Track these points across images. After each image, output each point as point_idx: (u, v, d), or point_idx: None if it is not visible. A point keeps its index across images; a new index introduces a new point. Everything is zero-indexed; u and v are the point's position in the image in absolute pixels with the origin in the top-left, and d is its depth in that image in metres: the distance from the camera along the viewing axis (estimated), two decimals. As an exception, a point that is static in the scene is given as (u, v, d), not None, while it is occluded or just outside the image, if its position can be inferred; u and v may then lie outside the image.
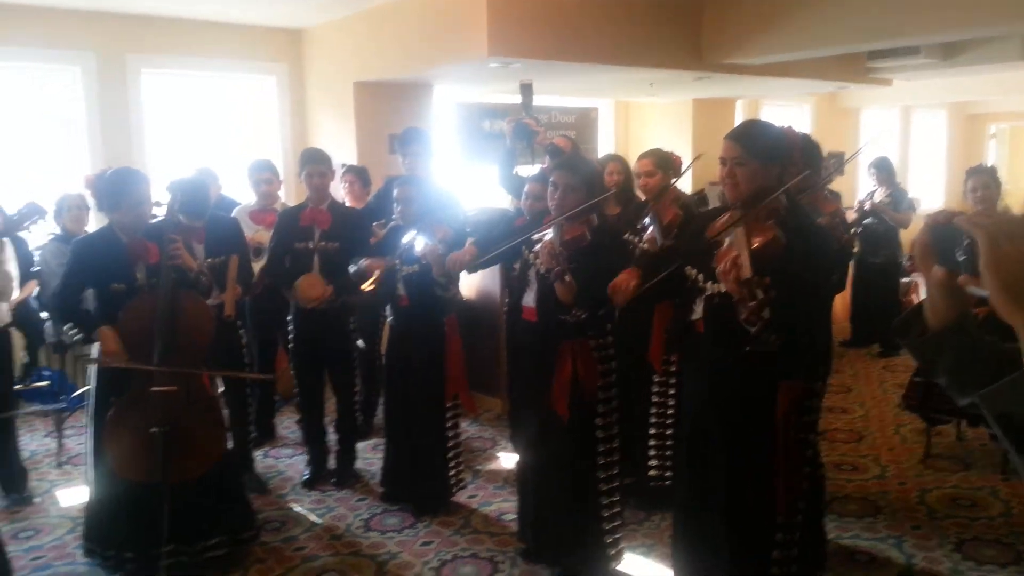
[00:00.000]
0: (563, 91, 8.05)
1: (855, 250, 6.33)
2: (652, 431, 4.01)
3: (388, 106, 6.47)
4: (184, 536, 3.41)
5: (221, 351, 3.89)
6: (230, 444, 3.87)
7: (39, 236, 4.93)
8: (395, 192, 4.05)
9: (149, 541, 3.35)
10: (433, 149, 4.56)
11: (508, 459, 4.71)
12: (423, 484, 4.05)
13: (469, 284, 5.59)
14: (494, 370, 5.56)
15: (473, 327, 5.34)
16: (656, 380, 3.96)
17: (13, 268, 4.32)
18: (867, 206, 6.66)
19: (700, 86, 7.21)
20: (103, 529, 3.50)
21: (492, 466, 4.75)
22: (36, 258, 5.04)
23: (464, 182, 7.41)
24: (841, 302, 7.12)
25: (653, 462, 4.02)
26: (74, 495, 4.34)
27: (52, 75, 6.20)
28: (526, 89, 4.53)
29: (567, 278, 2.97)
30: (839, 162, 7.10)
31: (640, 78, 6.64)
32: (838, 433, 5.16)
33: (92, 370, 3.59)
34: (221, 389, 4.33)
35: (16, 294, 4.47)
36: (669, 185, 4.04)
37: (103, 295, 3.50)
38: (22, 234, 4.52)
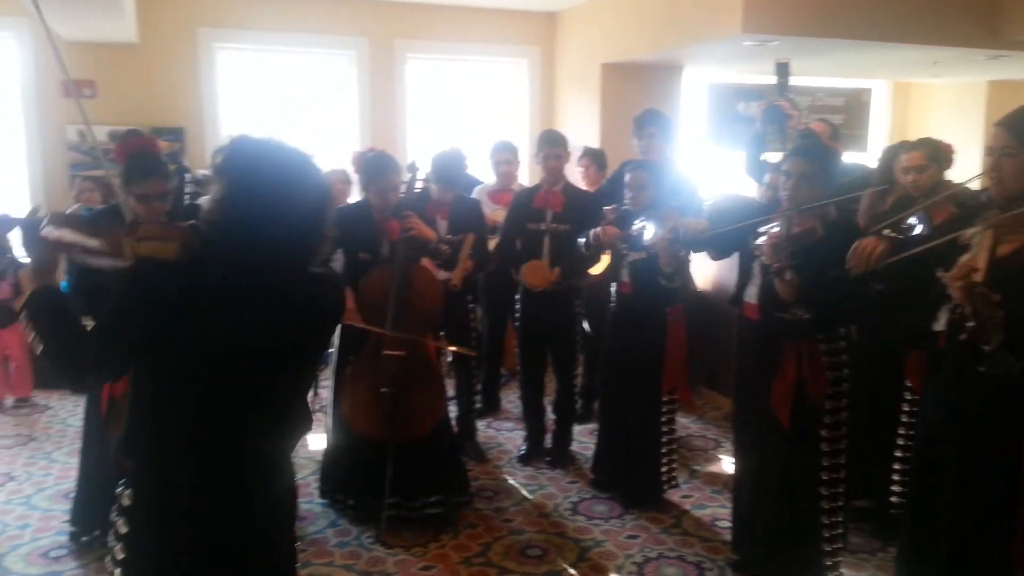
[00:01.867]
0: (830, 71, 7.39)
1: None
2: (898, 453, 3.59)
3: (635, 88, 6.36)
4: (405, 492, 3.64)
5: (450, 323, 4.09)
6: (453, 411, 4.06)
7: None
8: (626, 177, 3.96)
9: (373, 491, 3.63)
10: (672, 132, 4.39)
11: (730, 463, 4.46)
12: (633, 476, 3.96)
13: (704, 274, 5.35)
14: (726, 366, 5.28)
15: (705, 319, 5.12)
16: (907, 398, 3.52)
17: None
18: None
19: (996, 66, 6.26)
20: (335, 475, 3.84)
21: (712, 468, 4.53)
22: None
23: (710, 168, 7.11)
24: None
25: (896, 487, 3.59)
26: (319, 441, 4.80)
27: (331, 59, 6.84)
28: (782, 69, 4.19)
29: (788, 275, 2.71)
30: None
31: (921, 57, 5.91)
32: None
33: (337, 332, 3.92)
34: (450, 359, 4.56)
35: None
36: (942, 180, 3.55)
37: (351, 261, 3.80)
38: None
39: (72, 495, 3.52)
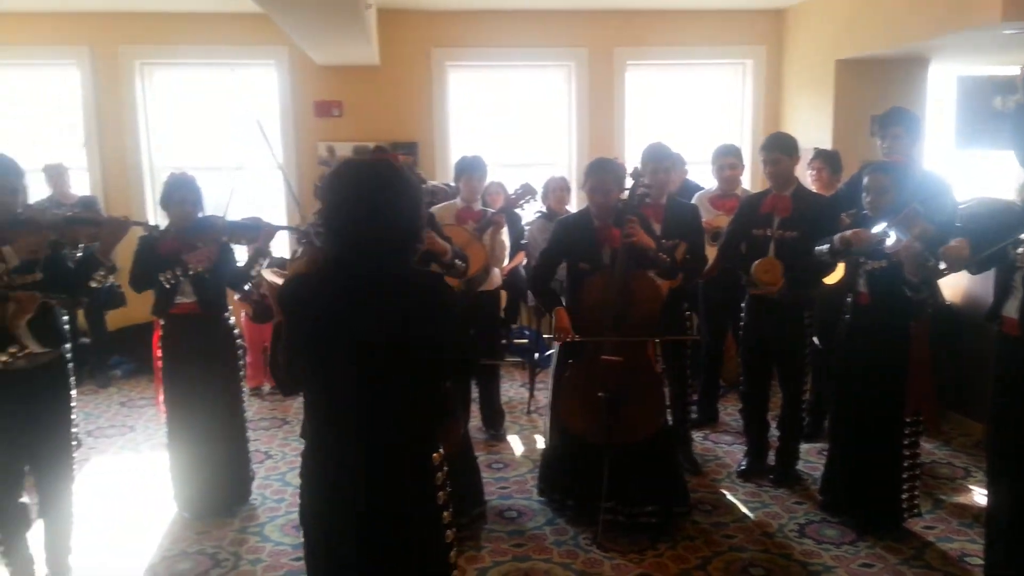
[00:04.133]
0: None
1: None
2: None
3: (872, 85, 5.93)
4: (621, 497, 3.64)
5: (664, 330, 4.02)
6: (670, 420, 4.00)
7: (529, 213, 5.65)
8: (865, 180, 3.69)
9: (589, 494, 3.66)
10: (919, 132, 4.04)
11: (983, 495, 4.01)
12: (869, 501, 3.68)
13: (952, 285, 4.86)
14: (977, 388, 4.76)
15: (953, 336, 4.65)
16: None
17: (507, 239, 5.03)
18: None
19: None
20: (553, 475, 3.92)
21: (960, 498, 4.10)
22: (526, 232, 5.76)
23: (961, 169, 6.46)
24: None
25: None
26: (538, 440, 4.93)
27: (550, 71, 7.02)
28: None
29: None
30: None
31: None
32: None
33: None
34: (663, 367, 4.48)
35: (507, 262, 5.21)
36: None
37: (572, 271, 3.86)
38: (517, 211, 5.26)
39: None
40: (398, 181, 1.98)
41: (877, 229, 3.51)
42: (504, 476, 4.41)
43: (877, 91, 5.90)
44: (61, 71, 6.61)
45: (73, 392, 3.27)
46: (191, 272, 3.72)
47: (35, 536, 3.26)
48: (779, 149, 4.08)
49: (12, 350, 2.63)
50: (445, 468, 2.09)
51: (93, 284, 3.24)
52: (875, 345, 3.58)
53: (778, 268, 3.99)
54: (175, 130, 6.86)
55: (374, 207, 1.93)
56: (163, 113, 6.81)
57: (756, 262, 4.03)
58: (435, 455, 2.07)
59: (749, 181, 6.05)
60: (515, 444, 4.92)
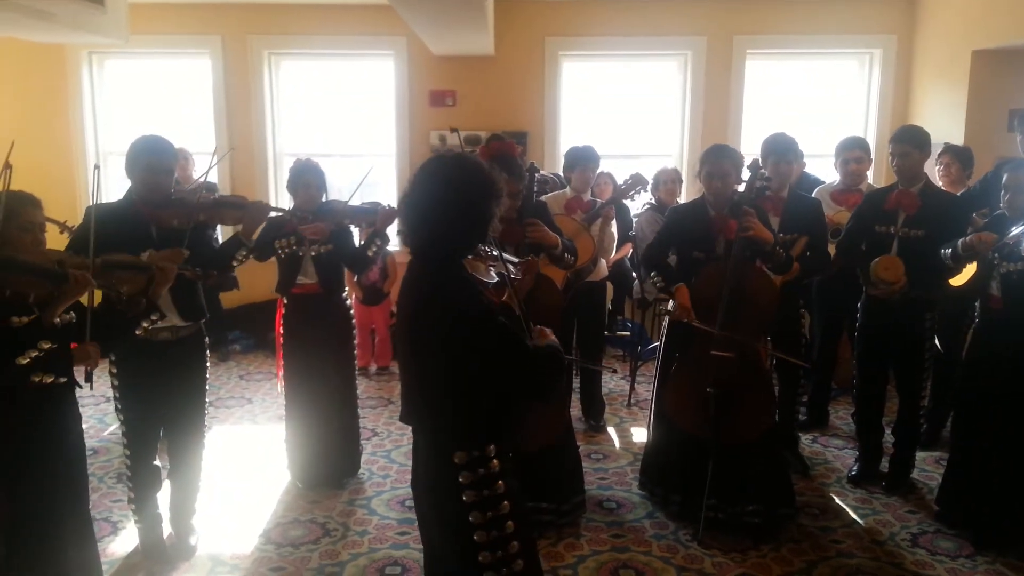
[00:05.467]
0: None
1: None
2: None
3: (1011, 77, 5.57)
4: (724, 495, 3.58)
5: (777, 328, 3.93)
6: (777, 419, 3.90)
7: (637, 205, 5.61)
8: (1005, 177, 3.49)
9: (693, 490, 3.62)
10: (1067, 128, 3.77)
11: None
12: (991, 514, 3.48)
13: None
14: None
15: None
16: None
17: (615, 230, 5.01)
18: None
19: None
20: (655, 468, 3.89)
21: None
22: (634, 224, 5.72)
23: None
24: None
25: None
26: (637, 433, 4.91)
27: (663, 59, 6.92)
28: None
29: None
30: None
31: None
32: None
33: (664, 327, 3.97)
34: (773, 362, 4.37)
35: (614, 253, 5.19)
36: None
37: (684, 260, 3.82)
38: (626, 202, 5.23)
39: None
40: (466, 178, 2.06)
41: (1017, 231, 3.31)
42: (603, 467, 4.41)
43: (1016, 84, 5.53)
44: (195, 60, 6.99)
45: (208, 365, 3.50)
46: (306, 245, 3.89)
47: (163, 497, 3.50)
48: (910, 142, 3.89)
49: (154, 317, 2.82)
50: (480, 470, 2.04)
51: (235, 263, 3.46)
52: (1007, 353, 3.38)
53: (900, 267, 3.82)
54: (299, 117, 7.15)
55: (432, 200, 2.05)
56: (288, 101, 7.11)
57: (877, 259, 3.87)
58: (459, 453, 2.04)
59: (872, 177, 5.79)
60: (614, 436, 4.91)
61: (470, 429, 2.06)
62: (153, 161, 3.21)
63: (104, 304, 2.75)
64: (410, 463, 2.28)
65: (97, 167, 3.30)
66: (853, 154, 4.62)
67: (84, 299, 2.63)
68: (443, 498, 2.09)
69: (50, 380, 2.47)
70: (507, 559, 2.08)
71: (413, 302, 2.08)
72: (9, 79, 6.79)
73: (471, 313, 1.99)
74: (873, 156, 5.13)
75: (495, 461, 2.07)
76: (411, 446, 2.28)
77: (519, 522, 2.11)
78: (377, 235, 3.97)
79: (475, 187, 2.05)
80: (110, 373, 3.30)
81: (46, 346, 2.43)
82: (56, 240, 3.13)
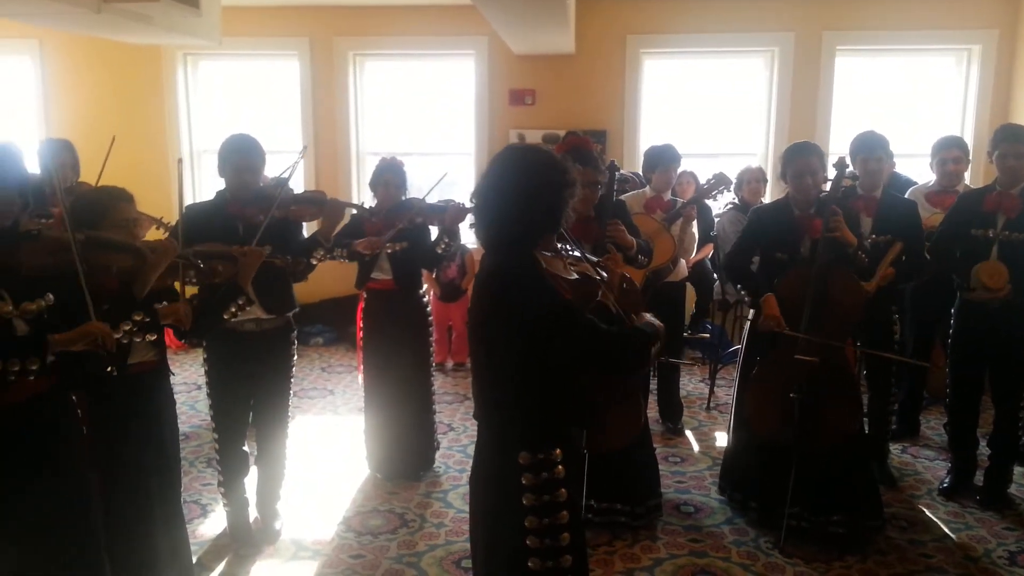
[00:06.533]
0: None
1: None
2: None
3: None
4: (808, 503, 3.48)
5: (869, 333, 3.80)
6: (866, 428, 3.77)
7: (719, 205, 5.50)
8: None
9: (774, 497, 3.53)
10: None
11: None
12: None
13: None
14: None
15: None
16: None
17: (696, 231, 4.93)
18: None
19: None
20: (735, 473, 3.81)
21: None
22: (716, 224, 5.62)
23: None
24: None
25: None
26: (717, 437, 4.82)
27: (748, 56, 6.77)
28: None
29: None
30: None
31: None
32: None
33: (746, 330, 3.88)
34: (864, 371, 4.23)
35: (695, 254, 5.10)
36: None
37: (767, 262, 3.73)
38: (708, 201, 5.14)
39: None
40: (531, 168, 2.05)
41: None
42: (681, 471, 4.35)
43: None
44: (283, 61, 7.20)
45: (295, 357, 3.60)
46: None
47: (250, 482, 3.62)
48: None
49: (240, 301, 2.90)
50: (544, 473, 2.01)
51: (313, 261, 3.54)
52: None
53: (1005, 274, 3.64)
54: (382, 117, 7.28)
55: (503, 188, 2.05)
56: (371, 100, 7.25)
57: (980, 265, 3.70)
58: (524, 453, 2.00)
59: (969, 178, 5.54)
60: (693, 439, 4.83)
61: (539, 429, 2.03)
62: (240, 160, 3.33)
63: (198, 295, 2.86)
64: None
65: (180, 160, 3.47)
66: (951, 154, 4.42)
67: (177, 286, 2.73)
68: (500, 498, 2.05)
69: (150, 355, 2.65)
70: (557, 571, 2.02)
71: (485, 297, 2.07)
72: (109, 79, 7.13)
73: (543, 308, 1.95)
74: (971, 157, 4.91)
75: (560, 467, 2.02)
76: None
77: (575, 535, 2.05)
78: (446, 232, 4.00)
79: (544, 172, 2.02)
80: (203, 361, 3.44)
81: (138, 318, 2.49)
82: (153, 237, 3.28)
